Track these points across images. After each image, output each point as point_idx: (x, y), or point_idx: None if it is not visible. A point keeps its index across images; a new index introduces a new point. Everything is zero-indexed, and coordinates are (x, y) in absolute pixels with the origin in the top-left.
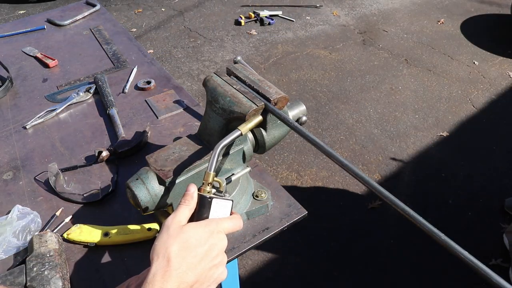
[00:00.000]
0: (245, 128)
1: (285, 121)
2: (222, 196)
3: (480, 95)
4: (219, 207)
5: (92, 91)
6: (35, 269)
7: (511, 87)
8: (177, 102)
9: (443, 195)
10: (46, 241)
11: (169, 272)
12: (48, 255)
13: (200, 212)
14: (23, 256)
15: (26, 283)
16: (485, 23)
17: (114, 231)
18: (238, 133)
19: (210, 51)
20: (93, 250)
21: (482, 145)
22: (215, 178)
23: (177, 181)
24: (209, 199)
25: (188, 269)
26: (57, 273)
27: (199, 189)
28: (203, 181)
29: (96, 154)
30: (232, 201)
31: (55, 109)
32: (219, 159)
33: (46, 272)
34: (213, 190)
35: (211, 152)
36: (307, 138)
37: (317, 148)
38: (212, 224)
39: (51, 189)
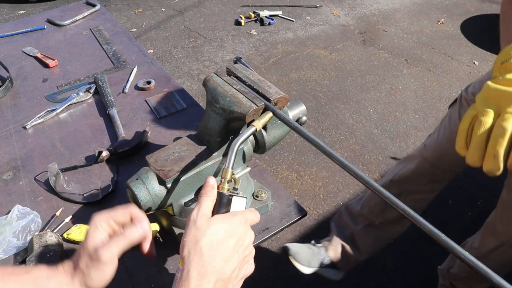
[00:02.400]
0: (259, 123)
1: (285, 121)
2: (237, 193)
3: None
4: (236, 205)
5: (92, 91)
6: None
7: None
8: (177, 102)
9: (443, 195)
10: (46, 241)
11: (204, 267)
12: (48, 255)
13: (219, 210)
14: (23, 256)
15: None
16: (485, 23)
17: None
18: (253, 129)
19: (210, 51)
20: None
21: None
22: (233, 176)
23: (177, 181)
24: (229, 197)
25: (222, 262)
26: None
27: (217, 186)
28: (221, 179)
29: (96, 154)
30: (246, 197)
31: (55, 109)
32: (236, 156)
33: None
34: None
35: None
36: (307, 138)
37: (317, 148)
38: (239, 215)
39: (51, 189)
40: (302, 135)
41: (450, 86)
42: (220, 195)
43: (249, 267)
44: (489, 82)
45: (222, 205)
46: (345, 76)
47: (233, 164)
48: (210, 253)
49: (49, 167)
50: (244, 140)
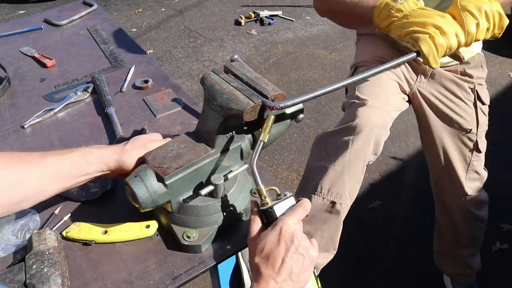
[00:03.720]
0: (265, 135)
1: (296, 102)
2: (281, 198)
3: None
4: (282, 209)
5: (90, 90)
6: (34, 266)
7: (511, 87)
8: (175, 100)
9: None
10: (45, 239)
11: (263, 280)
12: (47, 253)
13: (268, 224)
14: (22, 254)
15: (25, 281)
16: None
17: (113, 228)
18: (262, 144)
19: (210, 51)
20: (92, 248)
21: None
22: (269, 187)
23: (175, 178)
24: (269, 209)
25: (277, 270)
26: (57, 270)
27: (262, 204)
28: (260, 196)
29: None
30: (293, 195)
31: (53, 108)
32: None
33: (45, 270)
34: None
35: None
36: (315, 96)
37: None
38: (278, 223)
39: None
40: (312, 97)
41: None
42: (263, 212)
43: (309, 258)
44: None
45: (269, 217)
46: (345, 76)
47: (260, 182)
48: (263, 266)
49: None
50: (257, 157)
